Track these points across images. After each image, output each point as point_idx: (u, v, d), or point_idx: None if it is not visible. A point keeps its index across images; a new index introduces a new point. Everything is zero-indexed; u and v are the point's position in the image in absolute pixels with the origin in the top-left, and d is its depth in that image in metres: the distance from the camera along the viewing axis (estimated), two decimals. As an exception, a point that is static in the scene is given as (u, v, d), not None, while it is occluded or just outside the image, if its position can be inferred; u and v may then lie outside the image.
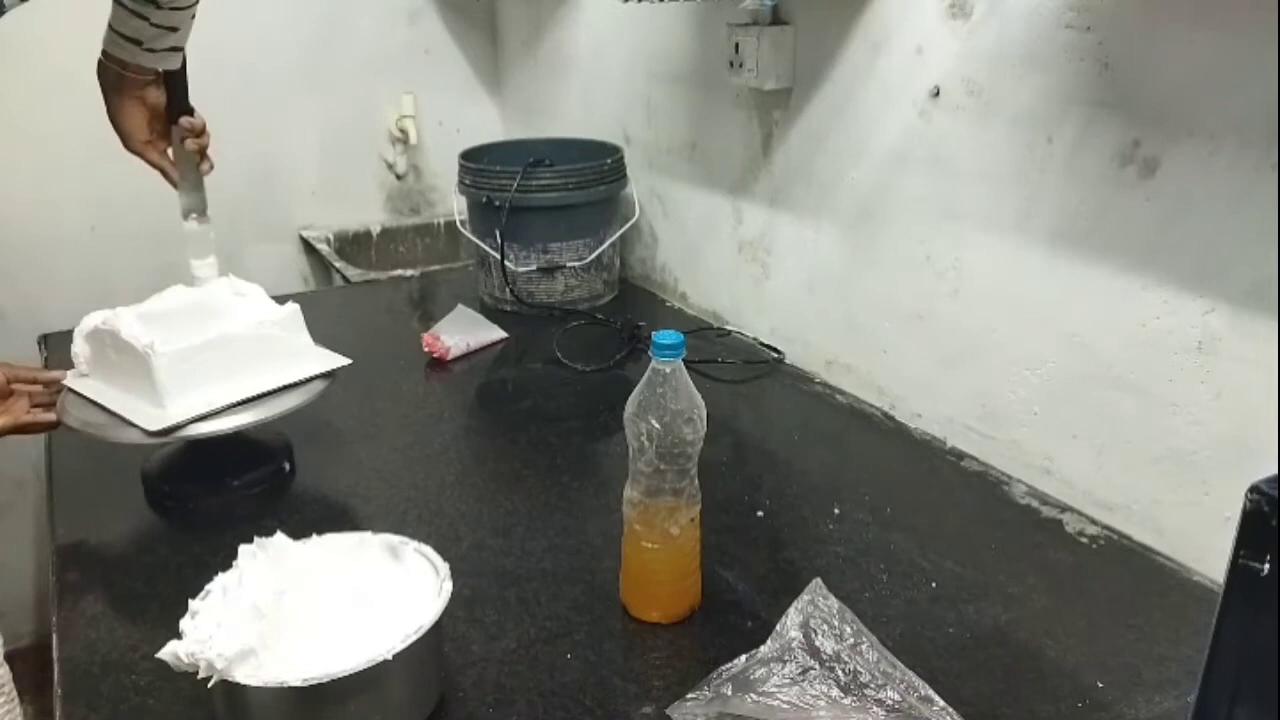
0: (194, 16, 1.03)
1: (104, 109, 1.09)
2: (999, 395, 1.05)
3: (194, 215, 1.15)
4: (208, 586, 0.71)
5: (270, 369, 1.02)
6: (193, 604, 0.69)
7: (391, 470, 1.08)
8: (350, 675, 0.62)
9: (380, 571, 0.74)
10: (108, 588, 0.89)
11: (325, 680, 0.62)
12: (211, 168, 1.14)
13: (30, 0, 0.98)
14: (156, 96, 1.08)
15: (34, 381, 1.05)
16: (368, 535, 0.76)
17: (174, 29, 1.01)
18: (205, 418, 0.97)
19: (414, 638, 0.65)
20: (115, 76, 1.05)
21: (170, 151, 1.13)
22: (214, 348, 0.99)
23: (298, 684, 0.62)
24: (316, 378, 1.04)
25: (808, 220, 1.29)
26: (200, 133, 1.12)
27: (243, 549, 0.73)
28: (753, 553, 0.92)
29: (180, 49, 1.05)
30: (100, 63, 1.06)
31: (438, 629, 0.68)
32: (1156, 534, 0.92)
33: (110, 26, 1.02)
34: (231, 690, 0.63)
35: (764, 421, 1.24)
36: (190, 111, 1.10)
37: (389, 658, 0.63)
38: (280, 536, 0.74)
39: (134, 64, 1.03)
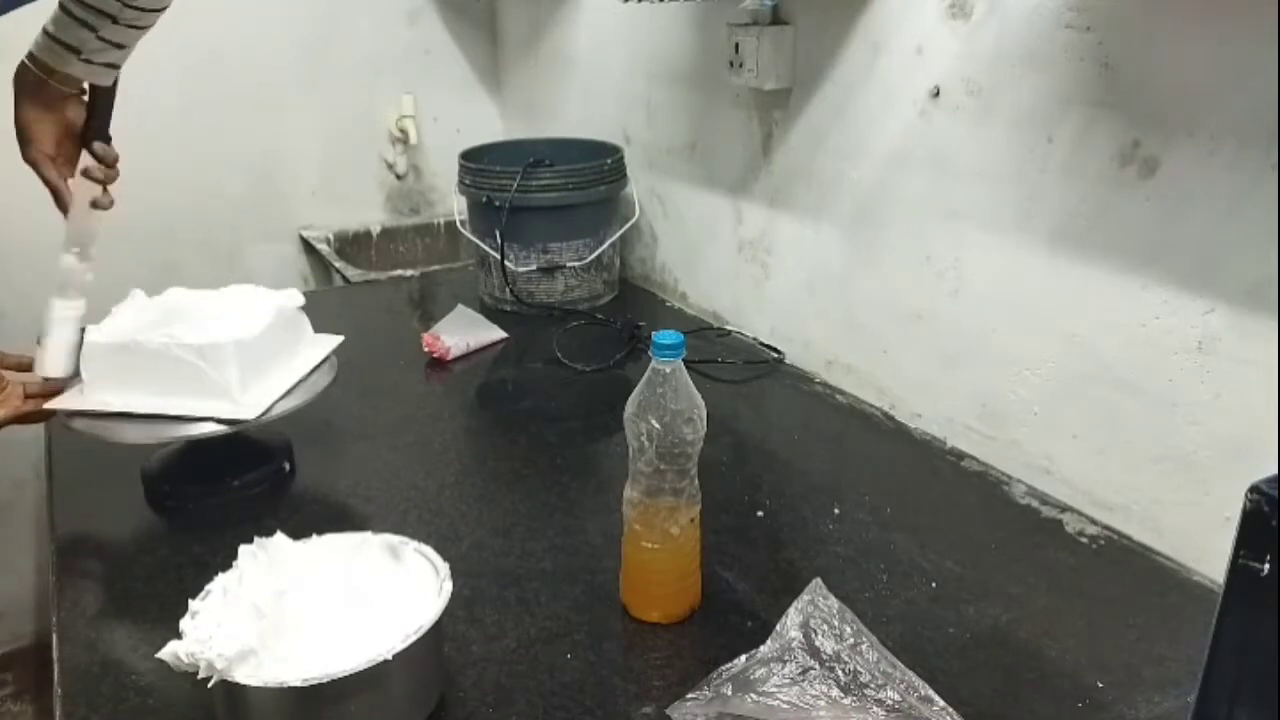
0: (144, 36, 0.95)
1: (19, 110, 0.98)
2: (999, 395, 1.05)
3: (76, 250, 1.01)
4: (208, 586, 0.71)
5: (178, 396, 0.97)
6: (193, 604, 0.69)
7: (391, 470, 1.08)
8: (350, 675, 0.62)
9: (380, 571, 0.74)
10: (108, 588, 0.89)
11: (325, 680, 0.62)
12: (111, 204, 1.01)
13: (31, 2, 0.95)
14: (75, 114, 0.97)
15: (27, 369, 1.01)
16: (368, 535, 0.76)
17: (121, 46, 0.93)
18: (97, 415, 0.97)
19: (414, 638, 0.65)
20: (36, 82, 0.94)
21: (73, 175, 1.00)
22: (130, 353, 0.97)
23: (297, 684, 0.62)
24: (215, 419, 0.96)
25: (808, 220, 1.29)
26: (111, 164, 1.00)
27: (243, 549, 0.73)
28: (753, 553, 0.92)
29: (117, 68, 0.96)
30: (22, 64, 0.95)
31: (438, 629, 0.68)
32: (1156, 534, 0.92)
33: (46, 31, 0.93)
34: (231, 690, 0.63)
35: (764, 421, 1.24)
36: (107, 139, 1.00)
37: (389, 658, 0.63)
38: (280, 536, 0.74)
39: (62, 72, 0.93)
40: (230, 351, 0.96)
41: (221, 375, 0.96)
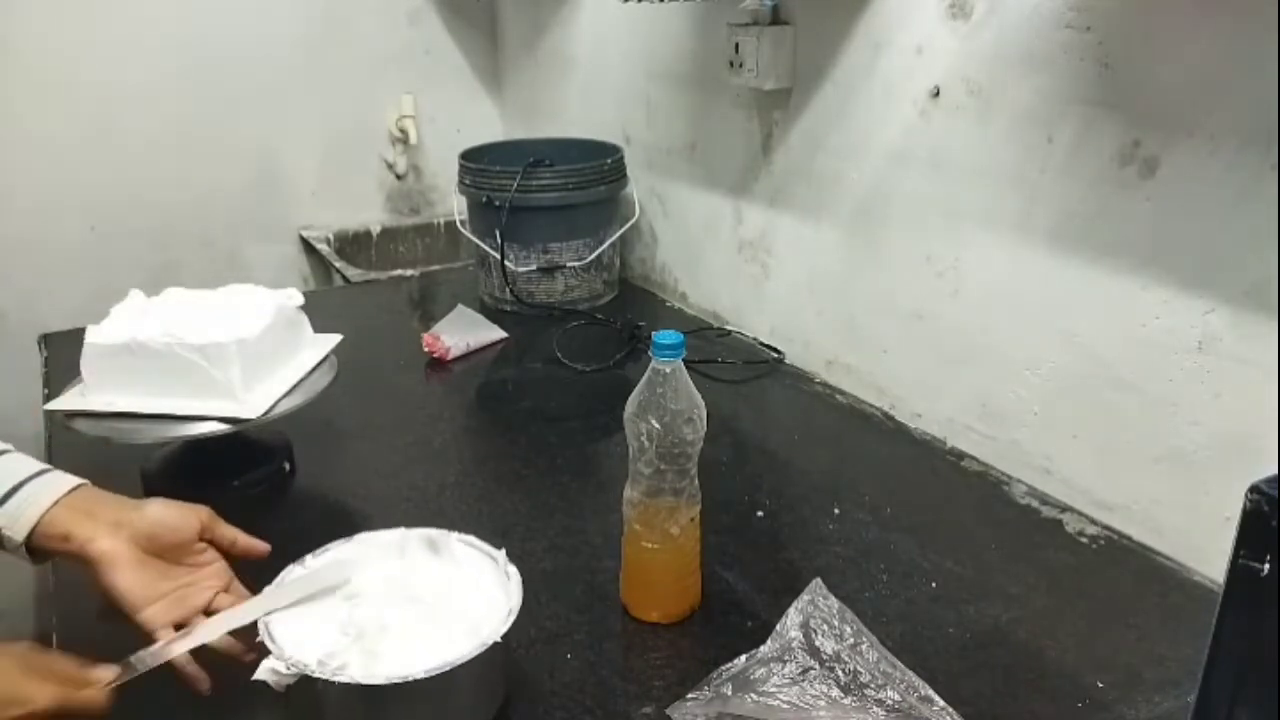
0: None
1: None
2: (999, 395, 1.05)
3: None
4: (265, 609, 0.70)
5: (181, 396, 0.97)
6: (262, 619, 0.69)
7: (391, 470, 1.08)
8: (467, 661, 0.63)
9: (427, 565, 0.75)
10: (108, 588, 0.89)
11: (445, 669, 0.62)
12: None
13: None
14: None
15: (233, 546, 0.78)
16: (405, 531, 0.77)
17: None
18: (98, 415, 0.97)
19: (512, 619, 0.66)
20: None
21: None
22: (132, 353, 0.96)
23: (421, 675, 0.62)
24: (218, 419, 0.96)
25: (808, 220, 1.29)
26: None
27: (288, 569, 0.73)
28: (753, 553, 0.92)
29: None
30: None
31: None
32: (1156, 534, 0.92)
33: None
34: (345, 690, 0.63)
35: (764, 421, 1.24)
36: None
37: (499, 640, 0.65)
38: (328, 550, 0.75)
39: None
40: (233, 351, 0.96)
41: (224, 374, 0.96)
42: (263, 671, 0.63)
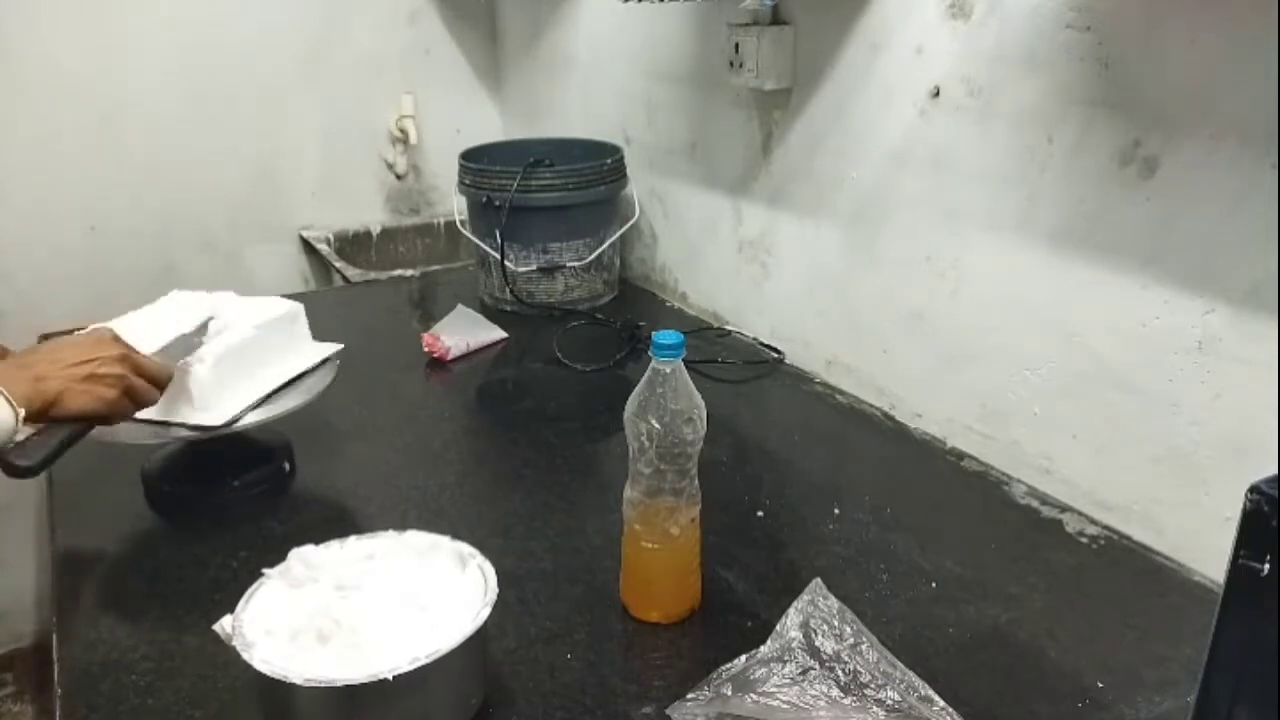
0: None
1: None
2: (999, 395, 1.05)
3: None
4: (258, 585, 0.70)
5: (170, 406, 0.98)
6: (245, 596, 0.69)
7: (391, 470, 1.08)
8: (354, 685, 0.62)
9: (445, 577, 0.73)
10: (108, 588, 0.90)
11: (324, 686, 0.62)
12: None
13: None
14: None
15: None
16: (443, 539, 0.75)
17: None
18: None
19: (423, 662, 0.64)
20: None
21: None
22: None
23: (299, 682, 0.61)
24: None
25: (808, 220, 1.29)
26: None
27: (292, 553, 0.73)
28: (753, 553, 0.92)
29: None
30: None
31: (469, 647, 0.67)
32: (1156, 534, 0.92)
33: None
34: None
35: (764, 421, 1.24)
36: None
37: (389, 678, 0.62)
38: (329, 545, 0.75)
39: None
40: (205, 363, 0.97)
41: (193, 385, 0.97)
42: (217, 624, 0.68)
